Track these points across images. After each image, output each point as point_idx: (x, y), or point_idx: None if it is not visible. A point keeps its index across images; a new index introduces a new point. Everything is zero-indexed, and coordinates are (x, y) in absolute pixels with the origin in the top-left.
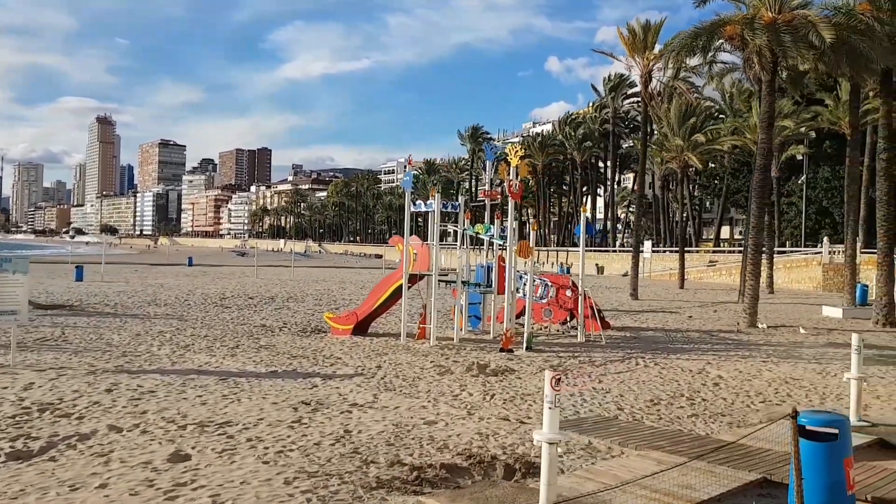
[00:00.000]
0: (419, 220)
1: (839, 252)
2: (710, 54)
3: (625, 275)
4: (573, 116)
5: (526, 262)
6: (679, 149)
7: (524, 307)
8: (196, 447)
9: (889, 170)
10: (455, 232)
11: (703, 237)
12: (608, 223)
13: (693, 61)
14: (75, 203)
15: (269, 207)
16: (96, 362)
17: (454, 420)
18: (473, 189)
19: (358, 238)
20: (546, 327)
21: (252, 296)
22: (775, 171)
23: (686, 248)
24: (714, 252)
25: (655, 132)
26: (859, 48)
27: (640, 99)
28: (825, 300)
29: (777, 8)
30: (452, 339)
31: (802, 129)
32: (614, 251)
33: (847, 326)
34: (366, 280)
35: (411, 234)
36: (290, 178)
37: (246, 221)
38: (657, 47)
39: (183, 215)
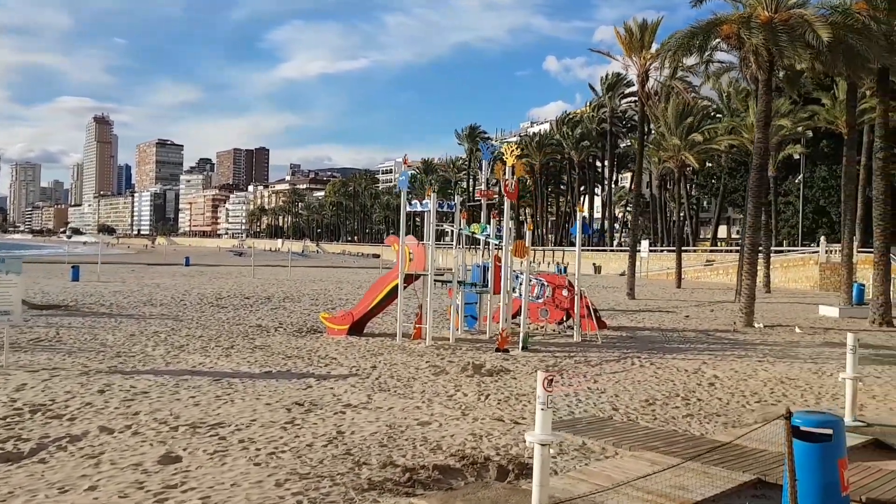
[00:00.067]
0: (417, 219)
1: (836, 251)
2: (706, 53)
3: (622, 274)
4: (570, 116)
5: (522, 262)
6: (676, 148)
7: (520, 307)
8: (187, 449)
9: (885, 169)
10: (452, 231)
11: (701, 237)
12: (605, 223)
13: (690, 60)
14: (73, 203)
15: (266, 207)
16: (90, 363)
17: (448, 421)
18: (471, 189)
19: (356, 238)
20: (542, 327)
21: (248, 296)
22: (772, 171)
23: (683, 248)
24: (711, 251)
25: (653, 131)
26: (856, 47)
27: (637, 98)
28: (822, 299)
29: (773, 7)
30: (448, 339)
31: (799, 129)
32: (612, 251)
33: (843, 326)
34: (363, 280)
35: (409, 234)
36: (288, 178)
37: (243, 221)
38: (654, 46)
39: (180, 215)
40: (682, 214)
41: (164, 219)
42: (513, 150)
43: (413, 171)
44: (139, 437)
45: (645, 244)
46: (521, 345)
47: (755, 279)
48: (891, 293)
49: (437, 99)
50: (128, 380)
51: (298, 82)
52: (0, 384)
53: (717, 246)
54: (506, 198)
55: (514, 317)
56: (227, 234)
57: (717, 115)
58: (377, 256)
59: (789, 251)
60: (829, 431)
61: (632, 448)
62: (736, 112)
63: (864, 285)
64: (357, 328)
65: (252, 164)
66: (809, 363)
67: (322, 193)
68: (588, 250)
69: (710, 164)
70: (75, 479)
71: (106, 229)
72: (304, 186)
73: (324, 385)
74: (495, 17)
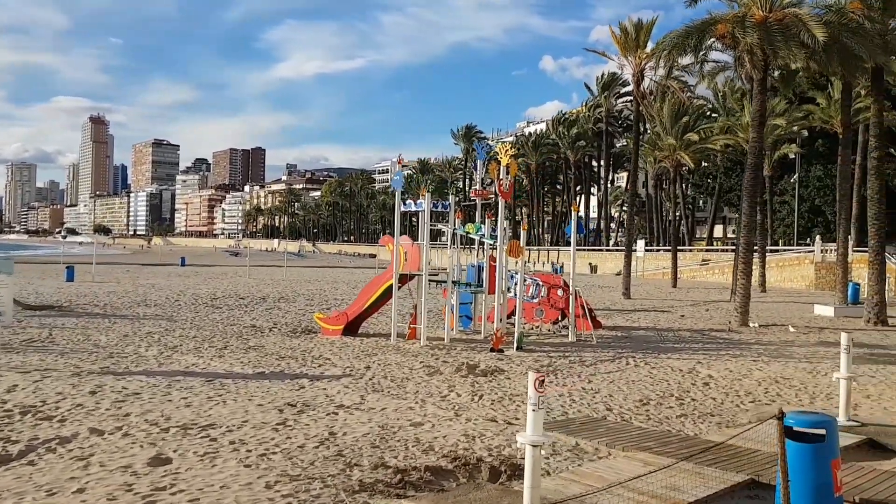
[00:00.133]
0: (413, 219)
1: (831, 250)
2: (701, 53)
3: (618, 274)
4: (566, 116)
5: (517, 262)
6: (672, 148)
7: (515, 307)
8: (178, 450)
9: (880, 168)
10: (447, 231)
11: (697, 236)
12: (602, 222)
13: (685, 60)
14: (68, 203)
15: (262, 207)
16: (82, 364)
17: (441, 421)
18: (467, 189)
19: (352, 238)
20: (537, 327)
21: (243, 296)
22: (767, 170)
23: (679, 247)
24: (707, 251)
25: (648, 131)
26: (850, 47)
27: (632, 98)
28: (817, 299)
29: (768, 7)
30: (443, 340)
31: (794, 128)
32: (608, 250)
33: (839, 325)
34: (359, 280)
35: (404, 234)
36: (284, 178)
37: (240, 221)
38: (649, 46)
39: (176, 215)
40: (677, 214)
41: (161, 219)
42: (507, 150)
43: (409, 171)
44: (129, 439)
45: (641, 244)
46: (515, 345)
47: (750, 278)
48: (886, 292)
49: (433, 99)
50: (120, 381)
51: (294, 82)
52: None
53: (712, 245)
54: (500, 197)
55: (508, 317)
56: (223, 234)
57: (713, 115)
58: (373, 256)
59: (785, 250)
60: (822, 432)
61: (625, 448)
62: (731, 111)
63: (859, 284)
64: (352, 328)
65: (248, 164)
66: (804, 363)
67: (318, 193)
68: (584, 250)
69: (706, 164)
70: (63, 482)
71: (102, 229)
72: (301, 186)
73: (317, 386)
74: (491, 17)
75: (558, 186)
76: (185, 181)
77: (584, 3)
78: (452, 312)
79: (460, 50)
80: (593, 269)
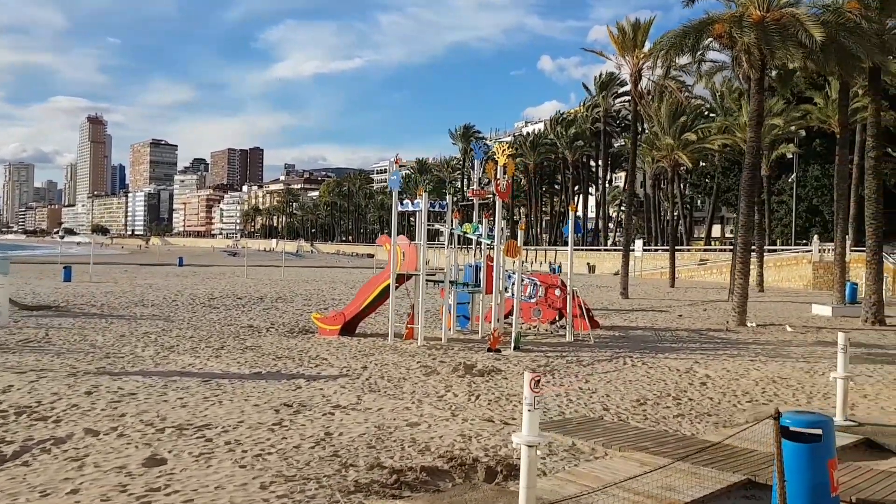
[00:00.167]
0: (411, 219)
1: (829, 250)
2: (698, 53)
3: (616, 274)
4: (564, 116)
5: (514, 262)
6: (669, 147)
7: (513, 306)
8: (173, 451)
9: (878, 168)
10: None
11: (695, 236)
12: (599, 222)
13: (682, 60)
14: (66, 203)
15: (261, 207)
16: (78, 364)
17: (437, 421)
18: (465, 189)
19: (350, 238)
20: (535, 327)
21: (241, 296)
22: (765, 170)
23: (677, 247)
24: (705, 251)
25: (646, 131)
26: (848, 46)
27: (630, 98)
28: (815, 298)
29: (765, 6)
30: (440, 339)
31: (792, 128)
32: (606, 250)
33: (836, 325)
34: (357, 279)
35: (402, 234)
36: (283, 178)
37: (238, 221)
38: (647, 46)
39: (175, 215)
40: (675, 214)
41: (159, 219)
42: (504, 150)
43: (406, 171)
44: (125, 440)
45: (639, 243)
46: (513, 345)
47: (748, 278)
48: (883, 292)
49: (431, 99)
50: (116, 381)
51: (293, 82)
52: None
53: (710, 245)
54: (498, 197)
55: (506, 317)
56: (221, 234)
57: (711, 115)
58: (371, 256)
59: (782, 250)
60: (819, 432)
61: (622, 449)
62: (729, 111)
63: (857, 284)
64: (349, 328)
65: (246, 164)
66: (801, 362)
67: (317, 193)
68: (582, 250)
69: (704, 164)
70: (58, 483)
71: (100, 230)
72: (299, 186)
73: (313, 386)
74: (490, 17)
75: (556, 186)
76: (183, 181)
77: (582, 2)
78: (450, 312)
79: (459, 50)
80: (591, 268)
